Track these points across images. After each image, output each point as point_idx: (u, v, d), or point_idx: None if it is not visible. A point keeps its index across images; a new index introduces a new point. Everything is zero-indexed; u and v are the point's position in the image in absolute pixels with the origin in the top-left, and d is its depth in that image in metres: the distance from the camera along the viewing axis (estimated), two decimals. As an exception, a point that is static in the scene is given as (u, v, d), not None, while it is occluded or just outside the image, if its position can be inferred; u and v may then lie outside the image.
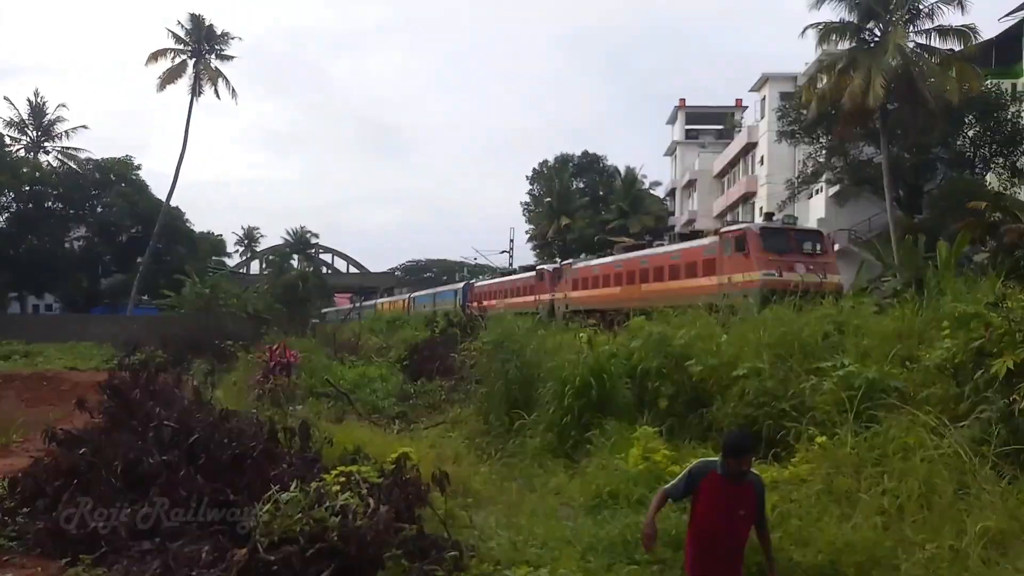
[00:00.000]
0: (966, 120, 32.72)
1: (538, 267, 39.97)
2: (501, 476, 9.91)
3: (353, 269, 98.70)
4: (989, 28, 41.07)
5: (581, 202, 69.66)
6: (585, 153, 76.05)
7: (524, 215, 77.36)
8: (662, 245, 31.61)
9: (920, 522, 5.82)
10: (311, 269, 79.11)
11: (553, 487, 9.05)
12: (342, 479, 6.21)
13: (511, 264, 63.65)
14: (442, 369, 18.61)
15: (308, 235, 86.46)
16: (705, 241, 26.89)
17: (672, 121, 76.46)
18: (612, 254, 35.38)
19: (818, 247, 24.27)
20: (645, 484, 7.74)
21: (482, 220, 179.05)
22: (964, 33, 30.16)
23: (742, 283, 22.85)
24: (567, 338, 14.15)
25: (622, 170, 69.19)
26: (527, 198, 77.51)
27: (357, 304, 72.26)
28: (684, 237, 30.62)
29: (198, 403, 9.38)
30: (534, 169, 77.05)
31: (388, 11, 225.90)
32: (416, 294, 64.22)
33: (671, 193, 76.05)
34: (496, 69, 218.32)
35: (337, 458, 7.77)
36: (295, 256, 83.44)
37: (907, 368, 8.86)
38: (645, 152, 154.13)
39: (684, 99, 73.85)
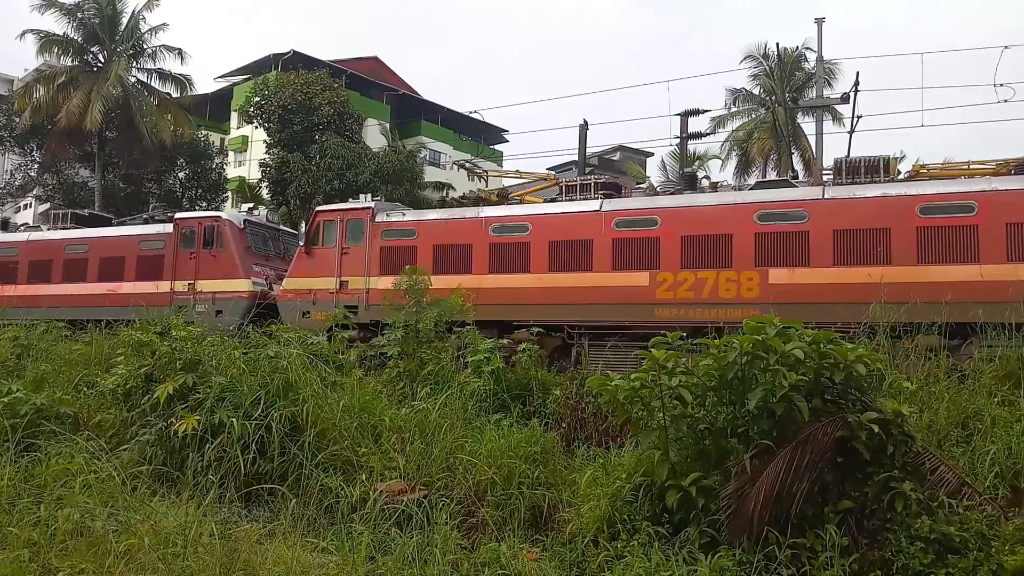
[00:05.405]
0: (179, 162, 35.05)
1: (181, 217, 19.91)
2: None
3: None
4: (206, 85, 45.24)
5: None
6: None
7: None
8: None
9: (71, 549, 5.83)
10: None
11: None
12: None
13: None
14: None
15: None
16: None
17: None
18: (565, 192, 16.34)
19: None
20: None
21: None
22: (181, 82, 32.52)
23: None
24: None
25: None
26: None
27: None
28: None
29: None
30: None
31: None
32: None
33: None
34: None
35: None
36: None
37: (86, 394, 8.93)
38: None
39: None
